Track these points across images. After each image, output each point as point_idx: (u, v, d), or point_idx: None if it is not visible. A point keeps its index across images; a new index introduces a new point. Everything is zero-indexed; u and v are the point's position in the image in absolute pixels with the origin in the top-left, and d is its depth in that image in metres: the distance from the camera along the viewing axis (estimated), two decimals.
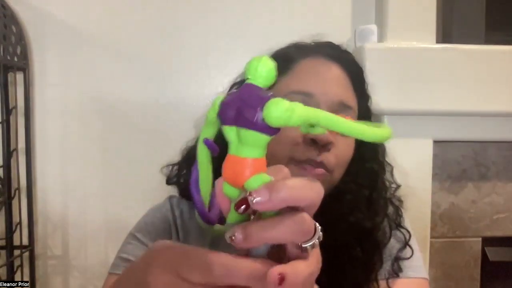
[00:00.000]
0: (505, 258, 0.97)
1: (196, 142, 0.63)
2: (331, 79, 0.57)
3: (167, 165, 0.68)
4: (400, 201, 0.67)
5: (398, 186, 0.68)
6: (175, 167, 0.67)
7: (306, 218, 0.25)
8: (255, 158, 0.25)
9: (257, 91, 0.25)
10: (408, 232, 0.63)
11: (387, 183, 0.66)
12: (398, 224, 0.64)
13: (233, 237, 0.24)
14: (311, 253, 0.26)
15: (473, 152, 0.96)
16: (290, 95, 0.55)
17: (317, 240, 0.26)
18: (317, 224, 0.27)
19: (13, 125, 0.88)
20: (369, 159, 0.62)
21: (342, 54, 0.61)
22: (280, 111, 0.23)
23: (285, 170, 0.27)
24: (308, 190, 0.25)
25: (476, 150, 0.96)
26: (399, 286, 0.59)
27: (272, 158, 0.54)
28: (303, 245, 0.26)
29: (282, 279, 0.23)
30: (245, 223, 0.25)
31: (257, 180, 0.24)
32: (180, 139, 0.70)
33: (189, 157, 0.66)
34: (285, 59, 0.59)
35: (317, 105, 0.54)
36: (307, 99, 0.54)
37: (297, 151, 0.53)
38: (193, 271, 0.24)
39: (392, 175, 0.69)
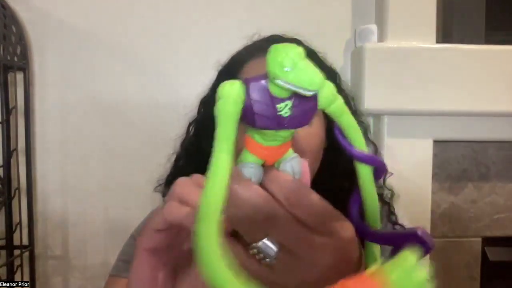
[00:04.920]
0: (505, 258, 0.97)
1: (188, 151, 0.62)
2: None
3: (159, 184, 0.66)
4: (392, 195, 0.63)
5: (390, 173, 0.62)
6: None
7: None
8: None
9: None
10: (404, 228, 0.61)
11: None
12: (394, 222, 0.61)
13: None
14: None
15: (473, 152, 0.96)
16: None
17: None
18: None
19: (13, 125, 0.88)
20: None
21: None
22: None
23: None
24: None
25: (476, 150, 0.96)
26: None
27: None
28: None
29: None
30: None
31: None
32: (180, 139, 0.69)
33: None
34: (236, 64, 0.58)
35: None
36: None
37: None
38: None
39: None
